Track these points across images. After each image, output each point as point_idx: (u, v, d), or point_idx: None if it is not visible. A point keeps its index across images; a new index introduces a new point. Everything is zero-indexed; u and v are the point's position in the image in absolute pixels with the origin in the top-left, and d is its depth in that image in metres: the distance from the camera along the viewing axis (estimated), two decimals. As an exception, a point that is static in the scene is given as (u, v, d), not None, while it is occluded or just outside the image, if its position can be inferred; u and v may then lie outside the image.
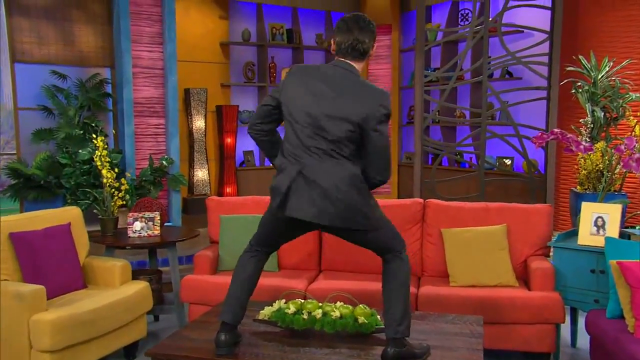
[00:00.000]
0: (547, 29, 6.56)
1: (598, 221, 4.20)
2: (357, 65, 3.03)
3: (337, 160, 2.93)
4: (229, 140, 9.31)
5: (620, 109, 5.02)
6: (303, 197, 2.93)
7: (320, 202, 2.91)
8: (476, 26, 6.78)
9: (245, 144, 9.72)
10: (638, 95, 5.07)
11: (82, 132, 6.57)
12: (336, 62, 3.04)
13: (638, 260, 2.24)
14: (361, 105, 2.90)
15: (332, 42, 3.08)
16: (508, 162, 7.78)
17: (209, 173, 9.22)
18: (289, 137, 3.03)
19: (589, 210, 4.23)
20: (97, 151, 5.04)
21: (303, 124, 2.96)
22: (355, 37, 2.96)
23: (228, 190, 9.21)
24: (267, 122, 3.15)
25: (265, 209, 3.25)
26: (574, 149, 4.64)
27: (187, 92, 8.78)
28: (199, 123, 9.02)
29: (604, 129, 5.03)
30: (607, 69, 5.10)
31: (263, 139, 3.19)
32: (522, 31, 7.03)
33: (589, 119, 5.06)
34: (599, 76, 5.11)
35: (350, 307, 3.43)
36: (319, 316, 3.36)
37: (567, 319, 4.41)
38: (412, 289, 4.20)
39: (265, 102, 3.14)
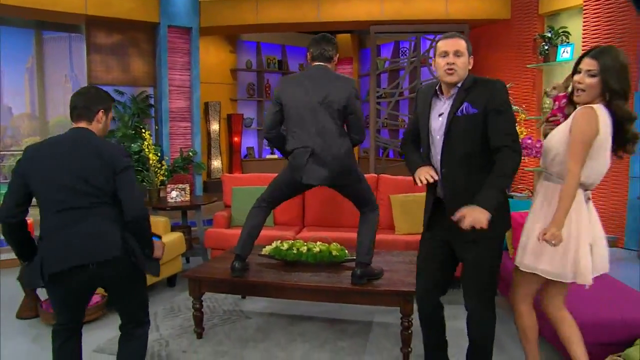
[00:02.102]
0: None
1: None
2: (329, 66, 3.07)
3: (331, 139, 2.93)
4: (236, 139, 9.35)
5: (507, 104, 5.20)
6: (318, 172, 2.95)
7: (331, 171, 2.94)
8: (411, 59, 6.93)
9: (247, 141, 9.75)
10: (516, 107, 5.24)
11: (133, 132, 6.60)
12: (315, 65, 3.05)
13: (520, 211, 2.48)
14: (343, 90, 2.94)
15: (308, 54, 3.10)
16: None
17: (222, 162, 9.26)
18: (295, 125, 2.99)
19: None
20: (145, 141, 5.09)
21: (304, 113, 2.95)
22: (322, 47, 3.02)
23: (235, 174, 9.25)
24: (277, 125, 3.10)
25: (267, 183, 3.26)
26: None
27: (206, 104, 8.81)
28: (214, 127, 9.05)
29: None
30: None
31: (275, 137, 3.13)
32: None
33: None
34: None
35: (327, 244, 3.51)
36: (304, 251, 3.42)
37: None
38: None
39: (274, 110, 3.06)
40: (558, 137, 2.20)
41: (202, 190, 7.59)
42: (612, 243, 5.76)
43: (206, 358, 3.01)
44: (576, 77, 2.15)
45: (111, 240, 2.12)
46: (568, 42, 6.17)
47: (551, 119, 2.36)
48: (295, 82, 3.05)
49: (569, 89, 2.27)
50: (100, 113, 2.27)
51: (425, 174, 2.27)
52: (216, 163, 9.13)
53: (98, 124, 2.26)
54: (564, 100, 2.26)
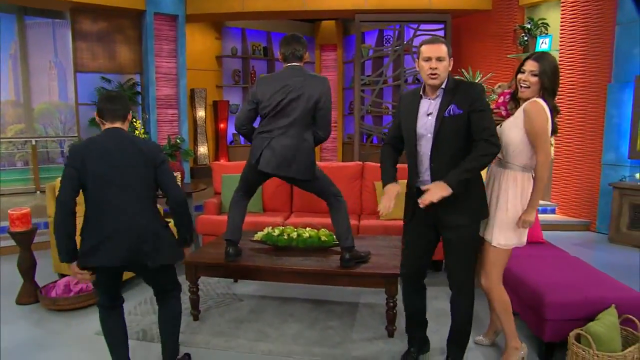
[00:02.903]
0: (443, 49, 6.87)
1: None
2: (302, 65, 3.25)
3: (295, 132, 3.14)
4: (222, 125, 9.44)
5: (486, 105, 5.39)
6: (268, 158, 3.16)
7: (278, 161, 3.14)
8: (395, 47, 7.09)
9: (233, 128, 9.77)
10: (494, 96, 5.46)
11: (121, 120, 6.63)
12: (288, 66, 3.23)
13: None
14: (315, 88, 3.14)
15: (280, 54, 3.28)
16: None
17: (208, 149, 9.36)
18: (267, 119, 3.19)
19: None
20: (136, 130, 5.19)
21: (274, 110, 3.15)
22: (293, 47, 3.20)
23: (222, 161, 9.29)
24: (250, 122, 3.32)
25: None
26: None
27: (192, 91, 8.87)
28: (200, 113, 9.13)
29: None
30: (479, 77, 5.44)
31: (248, 132, 3.34)
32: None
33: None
34: (475, 82, 5.47)
35: (315, 230, 3.69)
36: (294, 236, 3.59)
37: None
38: (355, 222, 4.47)
39: (249, 108, 3.26)
40: (515, 132, 2.57)
41: (189, 177, 7.72)
42: (584, 227, 6.09)
43: (205, 338, 3.20)
44: (521, 76, 2.57)
45: (162, 246, 2.48)
46: (547, 34, 6.40)
47: (495, 110, 2.67)
48: (271, 81, 3.22)
49: (512, 88, 2.67)
50: (130, 114, 2.64)
51: (385, 205, 2.57)
52: (202, 149, 9.23)
53: (127, 123, 2.62)
54: (508, 97, 2.58)
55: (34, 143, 7.22)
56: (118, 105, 2.54)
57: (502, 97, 2.63)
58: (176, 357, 2.76)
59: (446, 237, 2.57)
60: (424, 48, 2.50)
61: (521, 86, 2.58)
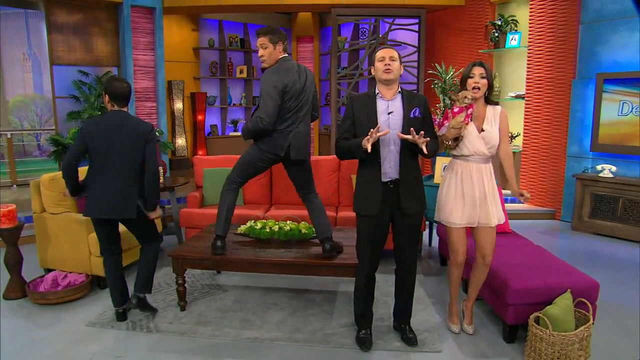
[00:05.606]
0: (416, 45, 7.07)
1: (444, 168, 4.64)
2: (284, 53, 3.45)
3: (307, 119, 3.46)
4: (199, 117, 9.51)
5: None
6: (297, 148, 3.37)
7: (300, 148, 3.39)
8: (371, 40, 7.28)
9: (211, 119, 9.90)
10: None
11: (100, 112, 6.66)
12: (288, 57, 3.44)
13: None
14: (309, 75, 3.46)
15: (278, 46, 3.42)
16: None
17: (186, 141, 9.43)
18: (289, 109, 3.34)
19: (440, 162, 4.67)
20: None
21: (294, 100, 3.34)
22: (284, 41, 3.45)
23: (200, 152, 9.42)
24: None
25: (233, 164, 3.61)
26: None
27: (169, 83, 8.91)
28: (178, 105, 9.18)
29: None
30: (451, 72, 5.66)
31: (269, 127, 3.32)
32: (400, 45, 7.50)
33: (441, 104, 5.62)
34: (447, 77, 5.66)
35: (296, 223, 3.87)
36: (276, 229, 3.76)
37: (427, 228, 5.06)
38: (333, 214, 4.68)
39: (280, 102, 3.27)
40: (496, 131, 3.01)
41: (168, 170, 7.79)
42: (550, 215, 6.44)
43: (192, 327, 3.38)
44: (472, 80, 2.97)
45: (131, 203, 3.24)
46: (516, 30, 6.67)
47: (465, 121, 2.96)
48: (283, 72, 3.31)
49: (476, 97, 3.00)
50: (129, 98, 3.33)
51: (368, 137, 2.70)
52: (180, 141, 9.29)
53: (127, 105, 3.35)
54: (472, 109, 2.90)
55: (9, 136, 7.20)
56: (122, 93, 3.24)
57: (470, 109, 2.91)
58: (145, 291, 3.52)
59: (403, 223, 2.95)
60: (378, 52, 2.89)
61: (475, 88, 2.95)
